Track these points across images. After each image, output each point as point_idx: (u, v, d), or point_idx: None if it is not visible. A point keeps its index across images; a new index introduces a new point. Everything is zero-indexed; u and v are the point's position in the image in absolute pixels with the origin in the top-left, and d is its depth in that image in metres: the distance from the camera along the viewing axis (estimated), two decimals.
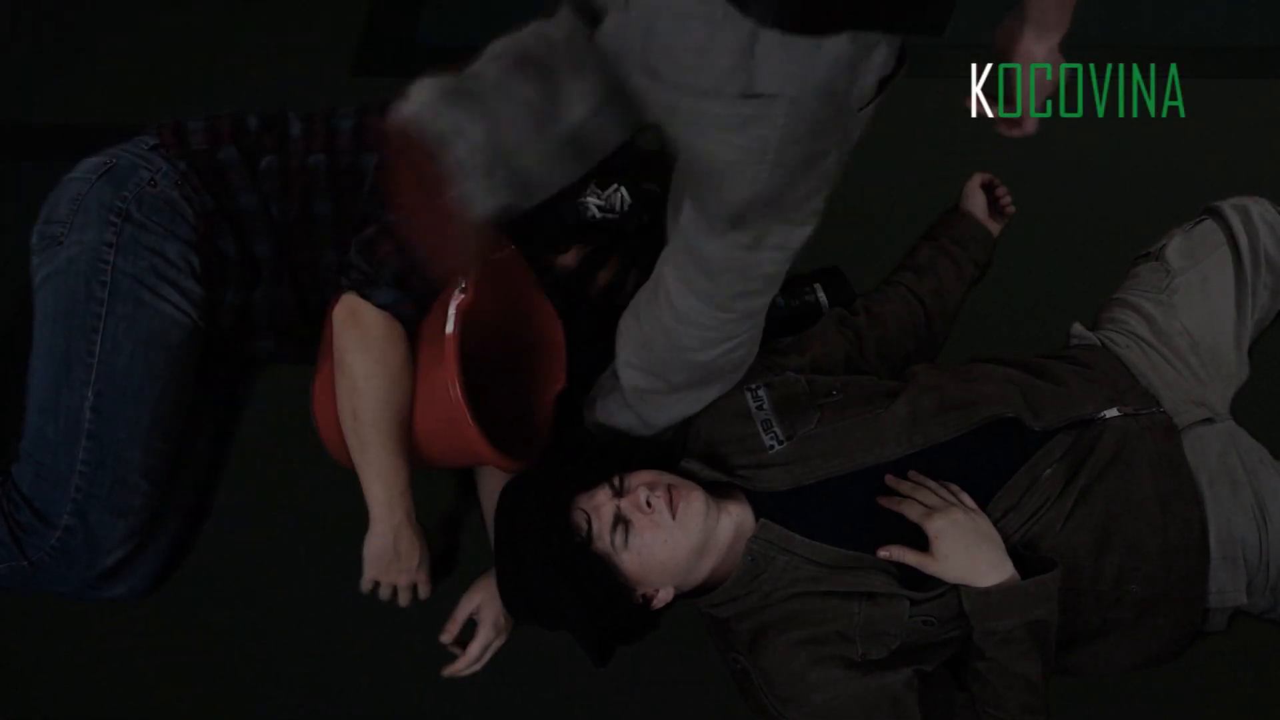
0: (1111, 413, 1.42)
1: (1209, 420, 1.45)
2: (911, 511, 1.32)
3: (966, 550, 1.28)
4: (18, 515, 1.46)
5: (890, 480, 1.37)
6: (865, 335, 1.64)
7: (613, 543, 1.33)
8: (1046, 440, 1.40)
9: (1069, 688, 1.47)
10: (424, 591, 1.53)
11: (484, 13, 2.40)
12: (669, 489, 1.34)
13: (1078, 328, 1.62)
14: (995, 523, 1.34)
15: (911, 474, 1.37)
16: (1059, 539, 1.35)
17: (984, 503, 1.35)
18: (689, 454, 1.49)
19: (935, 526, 1.29)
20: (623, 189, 1.54)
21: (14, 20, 2.41)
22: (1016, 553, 1.32)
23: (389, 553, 1.46)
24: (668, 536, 1.32)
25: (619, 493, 1.35)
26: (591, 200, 1.54)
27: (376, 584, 1.51)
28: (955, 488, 1.34)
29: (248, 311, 1.57)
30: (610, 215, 1.54)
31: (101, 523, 1.46)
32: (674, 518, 1.32)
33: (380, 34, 2.37)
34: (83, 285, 1.44)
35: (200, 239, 1.50)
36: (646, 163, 1.60)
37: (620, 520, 1.33)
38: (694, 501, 1.34)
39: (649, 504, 1.32)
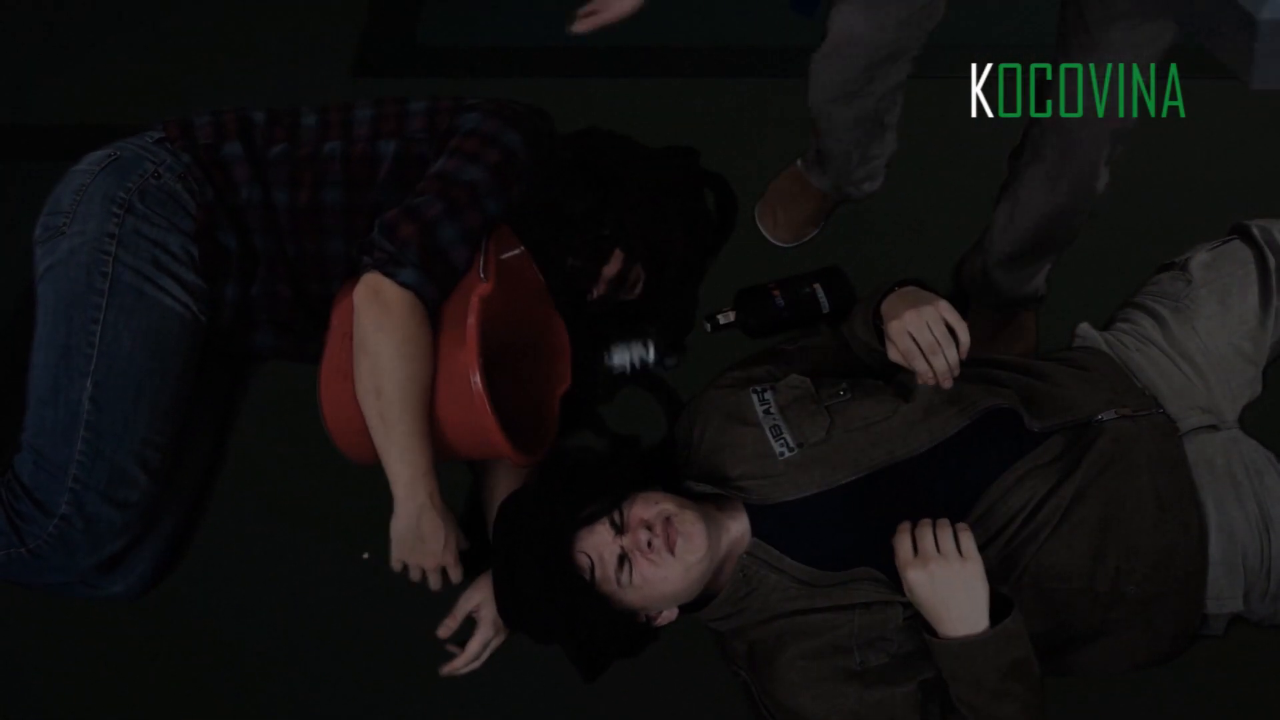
0: (1109, 415, 1.42)
1: (1214, 428, 1.45)
2: (901, 551, 1.29)
3: (934, 605, 1.26)
4: (17, 505, 1.46)
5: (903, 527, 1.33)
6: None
7: (618, 581, 1.32)
8: (1043, 440, 1.40)
9: (1068, 688, 1.47)
10: (454, 576, 1.49)
11: (484, 13, 2.41)
12: (667, 524, 1.32)
13: (1083, 328, 1.61)
14: (979, 518, 1.34)
15: (936, 521, 1.32)
16: (1055, 540, 1.35)
17: (974, 498, 1.35)
18: (691, 467, 1.49)
19: (910, 577, 1.26)
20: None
21: (14, 20, 2.41)
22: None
23: (412, 534, 1.44)
24: (668, 573, 1.31)
25: (619, 530, 1.33)
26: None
27: (406, 566, 1.49)
28: (964, 529, 1.28)
29: (247, 307, 1.57)
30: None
31: (99, 513, 1.46)
32: (674, 553, 1.31)
33: (380, 34, 2.37)
34: (84, 276, 1.44)
35: (201, 231, 1.50)
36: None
37: (623, 560, 1.32)
38: (694, 537, 1.31)
39: (649, 545, 1.31)
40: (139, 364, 1.45)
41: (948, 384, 1.34)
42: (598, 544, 1.32)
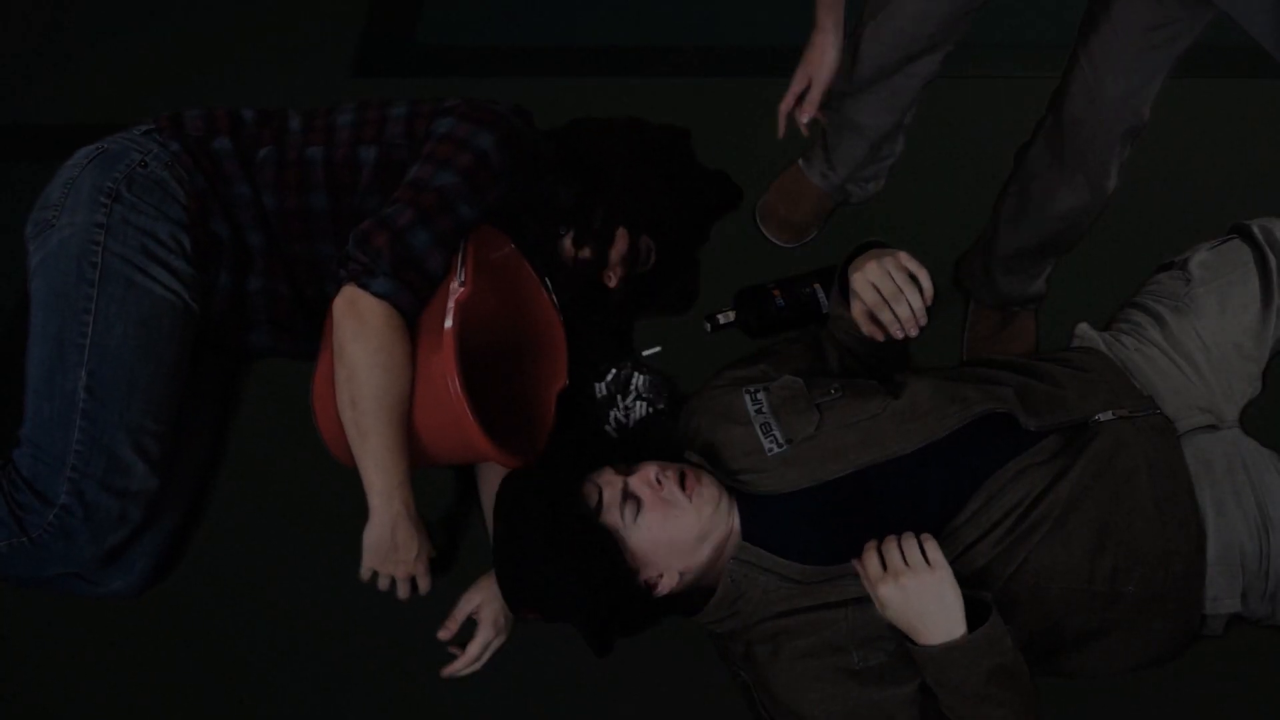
0: (1106, 416, 1.42)
1: (1214, 427, 1.45)
2: (870, 568, 1.29)
3: (908, 617, 1.26)
4: (18, 496, 1.47)
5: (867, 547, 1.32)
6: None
7: (622, 516, 1.32)
8: (1038, 440, 1.40)
9: (1067, 688, 1.47)
10: (423, 585, 1.52)
11: (484, 13, 2.41)
12: (680, 472, 1.35)
13: (1082, 328, 1.62)
14: (974, 513, 1.34)
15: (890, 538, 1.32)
16: (1053, 539, 1.34)
17: (967, 495, 1.35)
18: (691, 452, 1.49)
19: (882, 593, 1.27)
20: None
21: (14, 20, 2.41)
22: (969, 589, 1.28)
23: (387, 543, 1.46)
24: (680, 514, 1.32)
25: (625, 472, 1.36)
26: None
27: (375, 574, 1.51)
28: (929, 540, 1.29)
29: (242, 300, 1.58)
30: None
31: (98, 502, 1.46)
32: (689, 498, 1.33)
33: (380, 34, 2.37)
34: (74, 267, 1.44)
35: (192, 220, 1.50)
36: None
37: (629, 496, 1.33)
38: (706, 485, 1.35)
39: (659, 481, 1.33)
40: (132, 352, 1.46)
41: (913, 332, 1.37)
42: (604, 479, 1.35)
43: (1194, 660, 1.45)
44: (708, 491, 1.35)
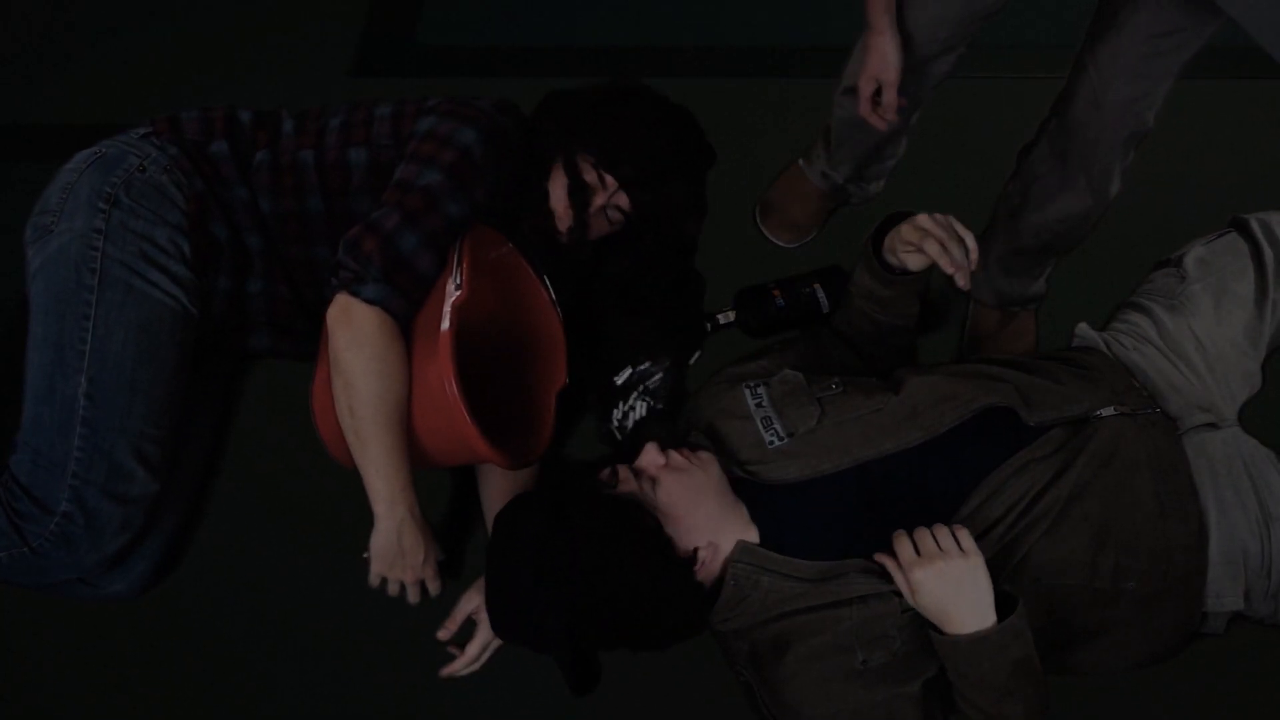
0: (1108, 411, 1.42)
1: (1214, 426, 1.45)
2: (903, 553, 1.29)
3: (942, 602, 1.26)
4: (16, 504, 1.47)
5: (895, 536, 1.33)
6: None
7: (640, 489, 1.34)
8: (1040, 435, 1.40)
9: (1068, 687, 1.47)
10: (433, 588, 1.52)
11: (484, 13, 2.41)
12: (679, 448, 1.38)
13: (1082, 328, 1.62)
14: (976, 508, 1.34)
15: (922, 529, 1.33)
16: (1055, 535, 1.35)
17: (969, 490, 1.36)
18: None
19: (916, 577, 1.27)
20: None
21: (14, 20, 2.41)
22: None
23: (394, 549, 1.46)
24: (692, 473, 1.35)
25: (629, 461, 1.38)
26: None
27: (384, 580, 1.51)
28: (960, 528, 1.29)
29: (243, 303, 1.58)
30: None
31: (100, 509, 1.46)
32: (691, 463, 1.36)
33: (380, 34, 2.37)
34: (73, 273, 1.44)
35: (191, 224, 1.50)
36: None
37: (641, 473, 1.36)
38: (705, 453, 1.39)
39: (663, 454, 1.36)
40: (132, 358, 1.45)
41: (962, 281, 1.36)
42: (614, 469, 1.37)
43: (1195, 659, 1.45)
44: (707, 455, 1.38)
